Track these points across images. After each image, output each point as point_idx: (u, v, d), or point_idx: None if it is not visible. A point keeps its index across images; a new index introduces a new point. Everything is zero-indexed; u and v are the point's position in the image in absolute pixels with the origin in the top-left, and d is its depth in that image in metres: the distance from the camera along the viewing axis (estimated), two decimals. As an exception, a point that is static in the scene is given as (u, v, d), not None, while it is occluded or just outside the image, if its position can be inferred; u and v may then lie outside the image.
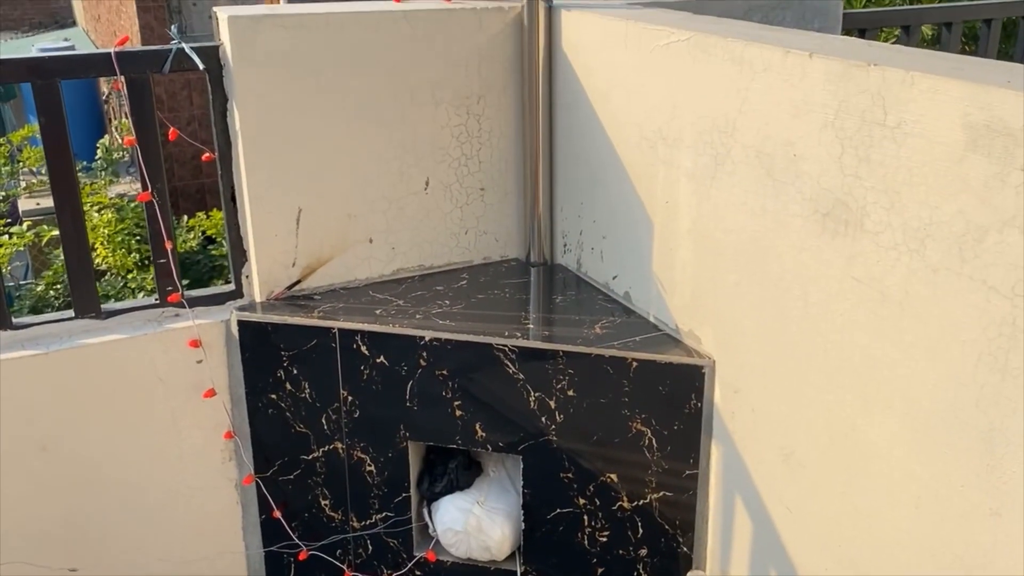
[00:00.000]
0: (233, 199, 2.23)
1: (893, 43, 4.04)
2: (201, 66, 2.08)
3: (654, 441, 2.03)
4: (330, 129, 2.21)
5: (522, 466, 2.17)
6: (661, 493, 2.06)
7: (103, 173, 7.00)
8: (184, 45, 2.06)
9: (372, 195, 2.31)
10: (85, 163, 7.19)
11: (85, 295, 2.18)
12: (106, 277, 5.79)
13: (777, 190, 1.68)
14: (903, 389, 1.49)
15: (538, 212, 2.44)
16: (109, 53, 2.00)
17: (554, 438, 2.10)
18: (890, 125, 1.43)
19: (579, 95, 2.23)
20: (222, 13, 2.11)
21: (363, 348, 2.16)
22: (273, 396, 2.25)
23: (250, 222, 2.22)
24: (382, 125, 2.26)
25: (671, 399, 1.98)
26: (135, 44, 8.48)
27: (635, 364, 2.00)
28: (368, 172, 2.28)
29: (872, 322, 1.53)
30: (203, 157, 2.20)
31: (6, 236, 5.70)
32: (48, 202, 2.05)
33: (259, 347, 2.23)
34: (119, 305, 2.26)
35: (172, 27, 2.11)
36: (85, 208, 6.01)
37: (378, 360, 2.16)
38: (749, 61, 1.69)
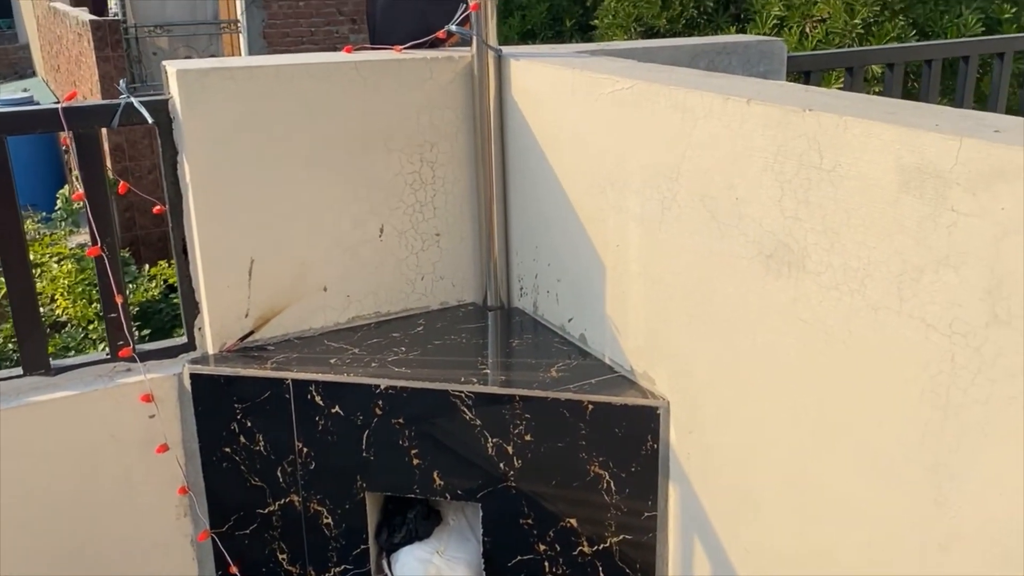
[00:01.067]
0: (185, 251, 2.22)
1: (839, 85, 4.15)
2: (150, 120, 2.07)
3: (612, 484, 2.02)
4: (282, 179, 2.21)
5: (481, 514, 2.15)
6: (621, 536, 2.05)
7: (63, 224, 6.94)
8: (133, 99, 2.05)
9: (326, 243, 2.31)
10: (45, 214, 7.13)
11: (34, 352, 2.15)
12: (66, 328, 5.72)
13: (722, 232, 1.70)
14: (851, 428, 1.51)
15: (494, 256, 2.45)
16: (56, 109, 2.00)
17: (513, 484, 2.09)
18: (826, 168, 1.46)
19: (530, 141, 2.26)
20: (171, 67, 2.11)
21: (318, 398, 2.14)
22: (227, 449, 2.22)
23: (202, 274, 2.20)
24: (335, 174, 2.27)
25: (628, 441, 1.99)
26: (95, 94, 8.46)
27: (591, 407, 2.00)
28: (322, 220, 2.28)
29: (818, 361, 1.55)
30: (154, 209, 2.19)
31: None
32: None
33: (212, 400, 2.21)
34: (69, 361, 2.23)
35: (121, 82, 2.11)
36: (44, 260, 5.97)
37: (333, 410, 2.15)
38: (691, 108, 1.73)
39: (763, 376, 1.67)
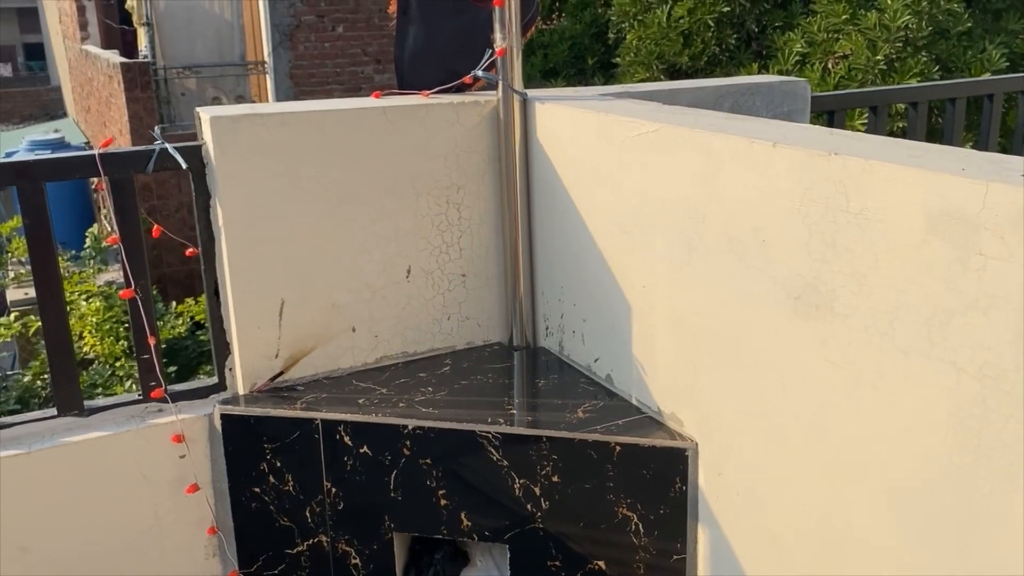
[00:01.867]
0: (217, 293, 2.26)
1: (863, 122, 4.15)
2: (184, 165, 2.12)
3: (640, 526, 2.02)
4: (312, 222, 2.25)
5: (509, 555, 2.15)
6: (649, 579, 2.04)
7: (91, 261, 7.04)
8: (167, 145, 2.10)
9: (354, 285, 2.34)
10: (74, 252, 7.24)
11: (67, 393, 2.18)
12: (94, 365, 5.79)
13: (749, 275, 1.71)
14: (881, 471, 1.50)
15: (519, 296, 2.47)
16: (93, 155, 2.05)
17: (540, 525, 2.09)
18: (853, 211, 1.47)
19: (555, 183, 2.28)
20: (204, 113, 2.16)
21: (346, 438, 2.16)
22: (256, 489, 2.24)
23: (233, 315, 2.24)
24: (363, 217, 2.30)
25: (656, 483, 1.98)
26: (124, 134, 8.62)
27: (619, 448, 2.00)
28: (350, 262, 2.32)
29: (847, 404, 1.54)
30: (186, 252, 2.23)
31: (-7, 327, 5.71)
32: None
33: (242, 440, 2.23)
34: (102, 402, 2.26)
35: (156, 128, 2.16)
36: (74, 297, 6.05)
37: (362, 450, 2.16)
38: (716, 151, 1.75)
39: (792, 418, 1.67)
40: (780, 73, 5.20)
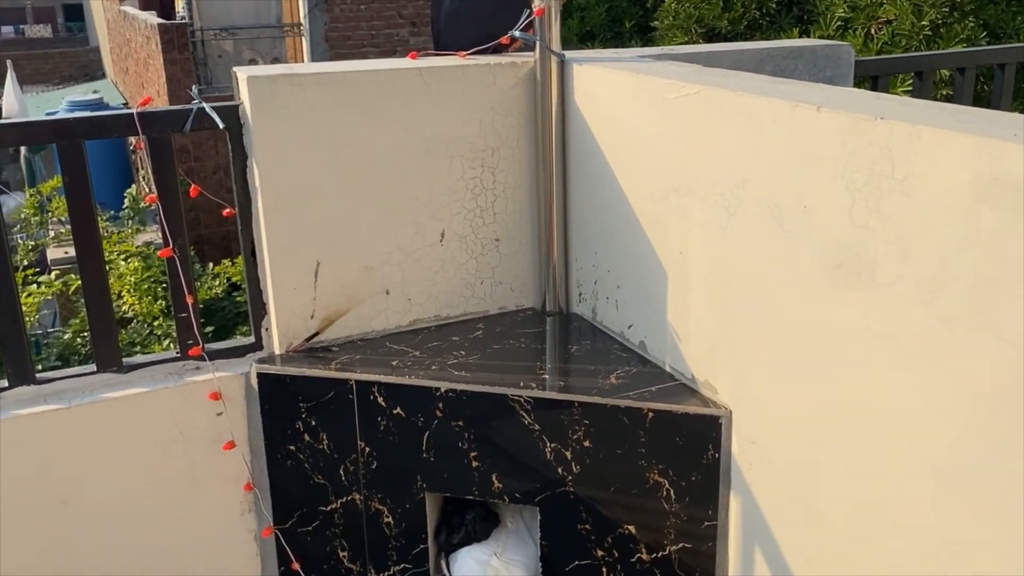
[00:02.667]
0: (253, 253, 2.27)
1: (906, 88, 4.06)
2: (221, 125, 2.12)
3: (672, 492, 2.01)
4: (347, 184, 2.25)
5: (539, 517, 2.16)
6: (680, 544, 2.04)
7: (130, 222, 7.13)
8: (204, 105, 2.11)
9: (388, 247, 2.34)
10: (113, 212, 7.33)
11: (107, 350, 2.22)
12: (132, 324, 5.88)
13: (789, 241, 1.68)
14: (922, 441, 1.48)
15: (553, 262, 2.46)
16: (132, 114, 2.05)
17: (571, 489, 2.10)
18: (898, 177, 1.44)
19: (592, 147, 2.26)
20: (242, 73, 2.16)
21: (380, 399, 2.17)
22: (292, 447, 2.26)
23: (270, 276, 2.25)
24: (398, 179, 2.30)
25: (688, 450, 1.98)
26: (162, 96, 8.67)
27: (651, 414, 1.99)
28: (384, 225, 2.31)
29: (887, 373, 1.52)
30: (224, 213, 2.24)
31: (34, 285, 5.81)
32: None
33: (278, 399, 2.25)
34: (140, 359, 2.29)
35: (193, 88, 2.16)
36: (112, 257, 6.13)
37: (395, 411, 2.17)
38: (758, 114, 1.71)
39: (829, 387, 1.65)
40: (822, 38, 5.09)
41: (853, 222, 1.53)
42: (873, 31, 5.03)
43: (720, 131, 1.82)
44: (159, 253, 2.17)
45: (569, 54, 2.33)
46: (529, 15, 2.25)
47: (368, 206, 2.28)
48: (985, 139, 1.30)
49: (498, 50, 2.39)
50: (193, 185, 2.19)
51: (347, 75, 2.20)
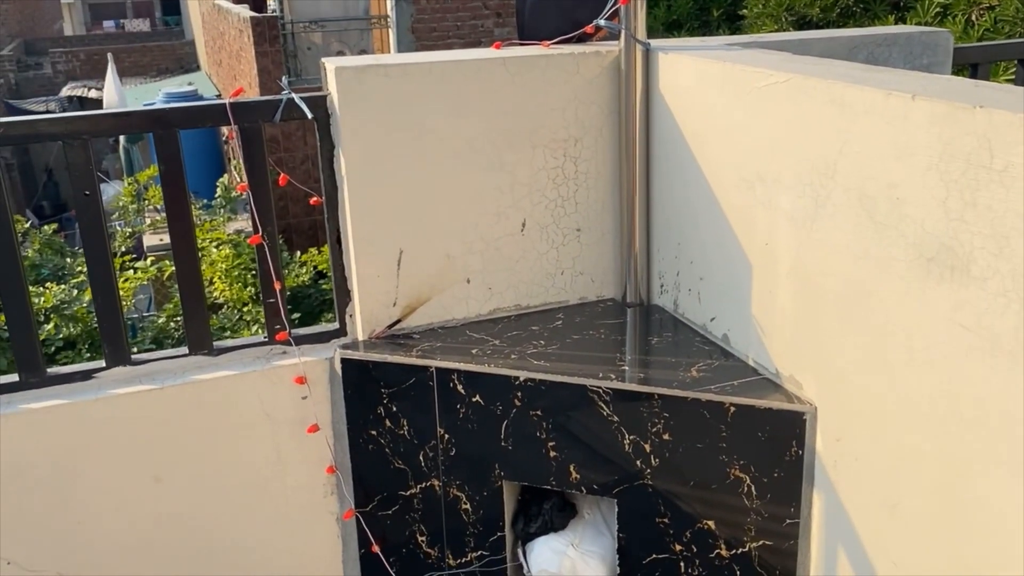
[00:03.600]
0: (339, 241, 2.31)
1: (1009, 77, 3.89)
2: (310, 115, 2.17)
3: (753, 488, 1.98)
4: (430, 173, 2.27)
5: (617, 509, 2.15)
6: (761, 542, 2.01)
7: (222, 211, 7.34)
8: (294, 96, 2.15)
9: (470, 236, 2.35)
10: (206, 201, 7.57)
11: (199, 333, 2.29)
12: (223, 310, 6.06)
13: (879, 234, 1.63)
14: (1014, 443, 1.42)
15: (634, 253, 2.44)
16: (224, 104, 2.11)
17: (649, 482, 2.08)
18: (997, 169, 1.38)
19: (676, 136, 2.23)
20: (330, 64, 2.20)
21: (459, 387, 2.19)
22: (373, 432, 2.31)
23: (354, 263, 2.29)
24: (480, 168, 2.31)
25: (771, 446, 1.94)
26: (253, 87, 8.89)
27: (733, 409, 1.96)
28: (466, 214, 2.33)
29: (981, 371, 1.47)
30: (311, 201, 2.29)
31: (131, 271, 6.04)
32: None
33: (361, 384, 2.29)
34: (230, 343, 2.36)
35: (283, 79, 2.21)
36: (205, 244, 6.33)
37: (474, 399, 2.19)
38: (850, 103, 1.67)
39: (919, 385, 1.59)
40: (919, 26, 4.91)
41: (948, 214, 1.48)
42: (974, 17, 4.83)
43: (809, 120, 1.78)
44: (249, 240, 2.23)
45: (654, 43, 2.30)
46: (614, 4, 2.23)
47: (450, 195, 2.30)
48: (1093, 128, 1.24)
49: (582, 39, 2.37)
50: (282, 174, 2.24)
51: (432, 65, 2.22)
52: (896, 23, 5.13)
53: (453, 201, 2.31)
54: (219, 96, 12.75)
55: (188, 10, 20.60)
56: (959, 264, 1.48)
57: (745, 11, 5.90)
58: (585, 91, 2.33)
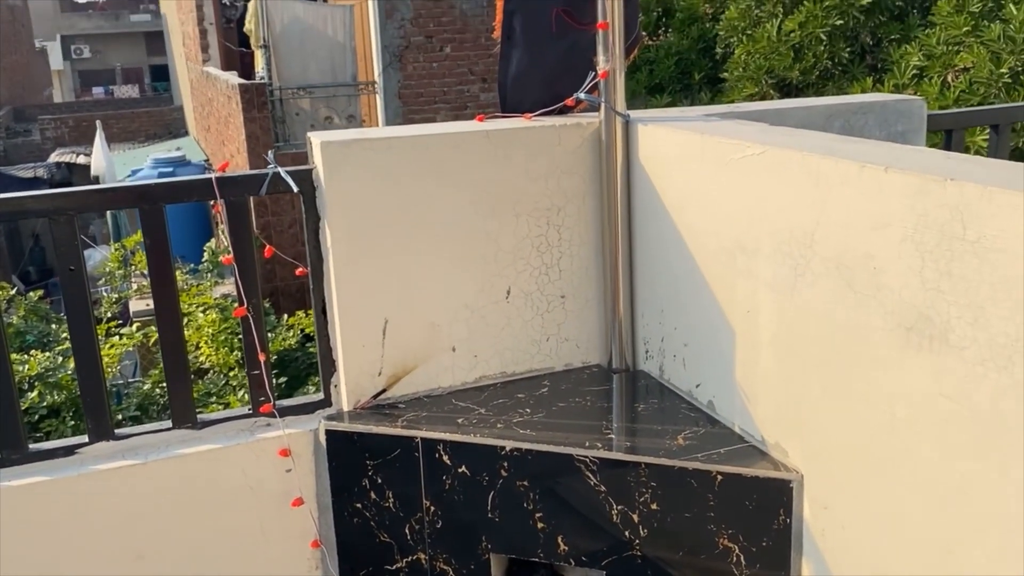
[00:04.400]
0: (324, 311, 2.32)
1: (984, 137, 3.96)
2: (295, 189, 2.19)
3: (742, 558, 1.96)
4: (415, 243, 2.29)
5: (606, 581, 2.13)
6: (751, 612, 1.98)
7: (209, 275, 7.35)
8: (280, 169, 2.18)
9: (455, 304, 2.36)
10: (192, 265, 7.58)
11: (182, 407, 2.28)
12: (209, 375, 6.03)
13: (858, 302, 1.65)
14: (1000, 513, 1.42)
15: (619, 318, 2.45)
16: (210, 179, 2.14)
17: (638, 552, 2.06)
18: (970, 239, 1.41)
19: (657, 205, 2.26)
20: (315, 138, 2.23)
21: (445, 458, 2.18)
22: (358, 505, 2.28)
23: (339, 334, 2.29)
24: (465, 238, 2.33)
25: (758, 514, 1.93)
26: (241, 152, 8.97)
27: (720, 477, 1.96)
28: (451, 282, 2.35)
29: (962, 440, 1.47)
30: (296, 272, 2.30)
31: (117, 337, 6.02)
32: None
33: (346, 456, 2.28)
34: (214, 415, 2.35)
35: (269, 152, 2.24)
36: (191, 309, 6.32)
37: (460, 469, 2.18)
38: (825, 174, 1.70)
39: (903, 453, 1.60)
40: (896, 87, 5.02)
41: (924, 284, 1.50)
42: (950, 79, 4.95)
43: (786, 191, 1.81)
44: (234, 312, 2.23)
45: (634, 114, 2.34)
46: (594, 77, 2.28)
47: (435, 264, 2.32)
48: (1061, 201, 1.27)
49: (563, 111, 2.42)
50: (268, 247, 2.26)
51: (416, 139, 2.25)
52: (874, 85, 5.25)
53: (438, 270, 2.33)
54: (207, 161, 12.85)
55: (177, 76, 20.86)
56: (937, 333, 1.49)
57: (726, 74, 6.02)
58: (567, 161, 2.37)
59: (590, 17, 2.27)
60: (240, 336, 2.32)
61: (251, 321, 2.24)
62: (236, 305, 2.26)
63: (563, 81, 2.36)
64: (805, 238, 1.77)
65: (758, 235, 1.91)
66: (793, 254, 1.81)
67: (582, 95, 2.31)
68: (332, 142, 2.18)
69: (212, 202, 2.18)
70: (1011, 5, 4.67)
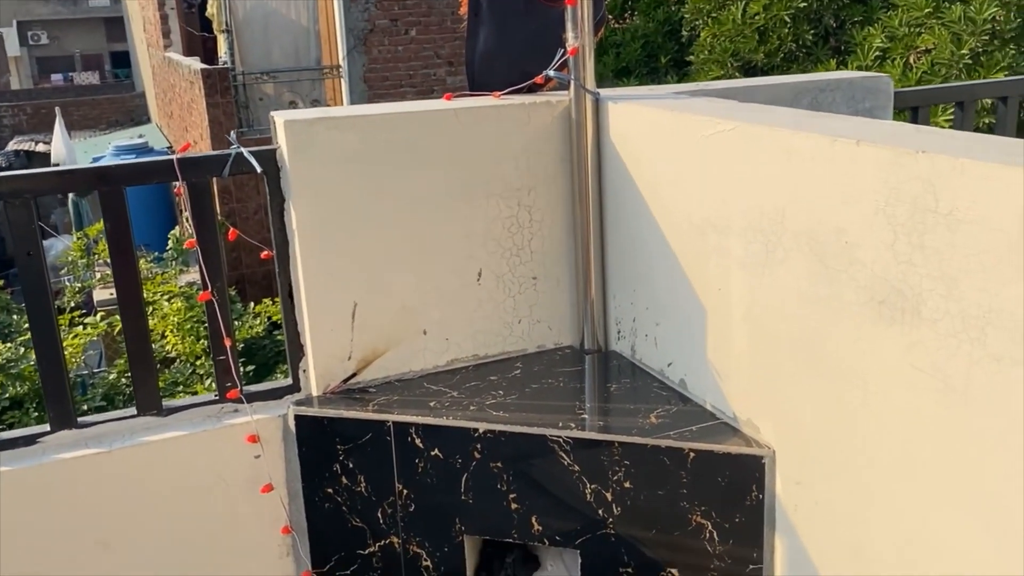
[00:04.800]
0: (291, 295, 2.28)
1: (948, 117, 4.00)
2: (259, 169, 2.15)
3: (715, 534, 1.97)
4: (383, 225, 2.25)
5: (580, 560, 2.12)
6: (725, 589, 1.99)
7: (173, 263, 7.24)
8: (243, 150, 2.13)
9: (426, 287, 2.34)
10: (157, 253, 7.46)
11: (147, 394, 2.23)
12: (175, 364, 5.95)
13: (830, 278, 1.65)
14: (972, 483, 1.43)
15: (591, 299, 2.44)
16: (171, 160, 2.09)
17: (612, 531, 2.06)
18: (942, 212, 1.41)
19: (628, 184, 2.25)
20: (279, 117, 2.18)
21: (418, 441, 2.16)
22: (329, 490, 2.25)
23: (307, 317, 2.26)
24: (435, 219, 2.30)
25: (731, 491, 1.93)
26: (204, 138, 8.84)
27: (692, 455, 1.95)
28: (421, 265, 2.32)
29: (935, 412, 1.48)
30: (262, 255, 2.26)
31: (80, 327, 5.91)
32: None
33: (315, 441, 2.25)
34: (179, 402, 2.30)
35: (231, 133, 2.20)
36: (156, 298, 6.23)
37: (433, 452, 2.16)
38: (797, 150, 1.69)
39: (875, 427, 1.60)
40: (859, 69, 5.05)
41: (896, 257, 1.50)
42: (912, 61, 4.98)
43: (757, 168, 1.80)
44: (198, 297, 2.19)
45: (604, 92, 2.33)
46: (563, 54, 2.25)
47: (404, 246, 2.29)
48: (1032, 172, 1.27)
49: (533, 89, 2.39)
50: (232, 229, 2.21)
51: (382, 117, 2.22)
52: (838, 66, 5.27)
53: (407, 252, 2.30)
54: (170, 148, 12.66)
55: (139, 62, 20.51)
56: (909, 306, 1.49)
57: (692, 57, 6.02)
58: (537, 141, 2.35)
59: (558, -7, 2.24)
60: (206, 324, 2.28)
61: (216, 306, 2.20)
62: (199, 296, 2.21)
63: (532, 59, 2.33)
64: (776, 214, 1.76)
65: (729, 212, 1.90)
66: (764, 230, 1.80)
67: (551, 72, 2.28)
68: (296, 120, 2.14)
69: (175, 186, 2.13)
70: (973, -14, 4.70)
